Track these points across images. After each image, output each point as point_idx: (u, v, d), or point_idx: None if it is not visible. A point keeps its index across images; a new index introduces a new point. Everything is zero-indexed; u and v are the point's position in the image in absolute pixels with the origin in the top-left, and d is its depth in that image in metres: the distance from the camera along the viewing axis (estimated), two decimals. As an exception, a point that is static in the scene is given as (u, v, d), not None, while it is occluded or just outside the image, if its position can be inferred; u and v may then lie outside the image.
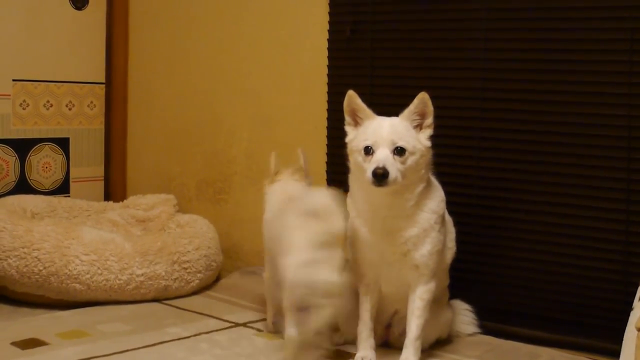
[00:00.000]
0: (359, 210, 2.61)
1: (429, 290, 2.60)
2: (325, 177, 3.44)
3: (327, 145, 3.48)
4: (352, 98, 2.59)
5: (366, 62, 3.34)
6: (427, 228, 2.55)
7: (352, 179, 2.63)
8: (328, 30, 3.47)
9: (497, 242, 2.78)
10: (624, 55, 2.74)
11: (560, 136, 2.88)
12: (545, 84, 2.91)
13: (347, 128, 2.61)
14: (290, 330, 2.40)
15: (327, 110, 3.48)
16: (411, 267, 2.58)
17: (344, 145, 3.38)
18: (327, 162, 3.47)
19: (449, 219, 2.74)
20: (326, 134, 3.49)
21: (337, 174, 3.39)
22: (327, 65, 3.48)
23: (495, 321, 2.77)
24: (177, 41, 4.17)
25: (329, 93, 3.48)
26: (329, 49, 3.47)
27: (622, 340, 2.12)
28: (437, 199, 2.60)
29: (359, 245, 2.63)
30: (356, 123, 2.59)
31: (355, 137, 2.57)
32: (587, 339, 2.80)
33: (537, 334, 2.90)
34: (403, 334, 2.63)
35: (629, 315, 2.13)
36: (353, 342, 2.72)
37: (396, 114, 2.56)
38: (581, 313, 2.87)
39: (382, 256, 2.59)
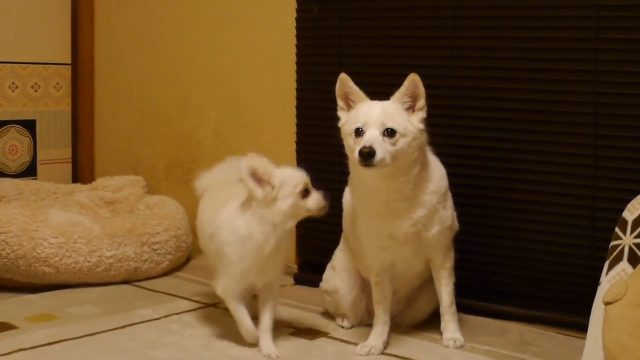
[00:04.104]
0: (360, 197, 2.60)
1: (450, 258, 2.68)
2: (295, 156, 3.43)
3: (297, 124, 3.47)
4: (344, 81, 2.54)
5: (334, 41, 3.32)
6: (432, 209, 2.56)
7: (351, 166, 2.57)
8: (296, 9, 3.45)
9: (465, 219, 2.79)
10: (590, 32, 2.74)
11: (527, 113, 2.89)
12: (512, 61, 2.92)
13: (340, 113, 2.56)
14: None
15: (296, 89, 3.47)
16: (426, 244, 2.61)
17: (313, 125, 3.40)
18: (296, 142, 3.46)
19: None
20: (295, 113, 3.48)
21: (306, 152, 3.40)
22: (295, 44, 3.46)
23: (464, 297, 2.79)
24: (144, 20, 4.13)
25: (297, 72, 3.46)
26: (296, 27, 3.46)
27: (589, 314, 2.14)
28: (436, 179, 2.58)
29: (365, 232, 2.63)
30: (349, 107, 2.55)
31: (347, 121, 2.52)
32: (556, 314, 2.83)
33: (506, 309, 2.92)
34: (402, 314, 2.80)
35: (596, 290, 2.15)
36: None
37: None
38: (550, 288, 2.90)
39: (393, 238, 2.57)
